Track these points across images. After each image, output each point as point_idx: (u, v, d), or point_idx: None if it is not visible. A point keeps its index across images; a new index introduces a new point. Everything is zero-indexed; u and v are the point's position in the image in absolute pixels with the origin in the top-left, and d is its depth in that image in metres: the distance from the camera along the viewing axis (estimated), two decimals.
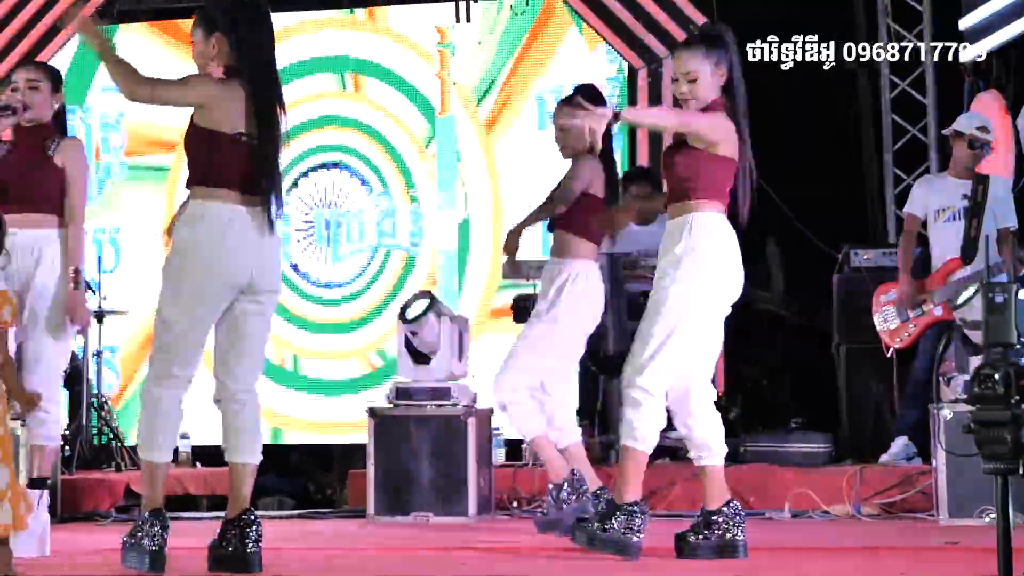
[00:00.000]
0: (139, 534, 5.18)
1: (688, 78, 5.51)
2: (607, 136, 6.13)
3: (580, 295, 6.56)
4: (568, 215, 6.57)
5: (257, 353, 5.36)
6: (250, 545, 5.18)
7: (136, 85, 5.10)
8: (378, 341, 10.84)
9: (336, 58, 11.16)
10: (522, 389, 6.54)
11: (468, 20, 10.90)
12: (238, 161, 5.15)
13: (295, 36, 11.13)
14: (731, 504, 5.56)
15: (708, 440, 5.59)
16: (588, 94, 6.28)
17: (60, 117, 6.21)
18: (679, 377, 5.52)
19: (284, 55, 10.50)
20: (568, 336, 6.60)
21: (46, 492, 6.03)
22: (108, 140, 11.57)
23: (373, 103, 11.07)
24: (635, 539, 5.44)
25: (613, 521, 5.44)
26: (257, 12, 5.28)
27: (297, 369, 10.96)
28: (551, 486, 6.57)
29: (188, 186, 5.25)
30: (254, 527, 5.21)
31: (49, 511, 6.10)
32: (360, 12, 11.18)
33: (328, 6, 11.27)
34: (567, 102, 6.53)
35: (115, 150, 11.53)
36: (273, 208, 5.22)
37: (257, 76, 5.20)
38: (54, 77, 6.21)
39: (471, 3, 10.92)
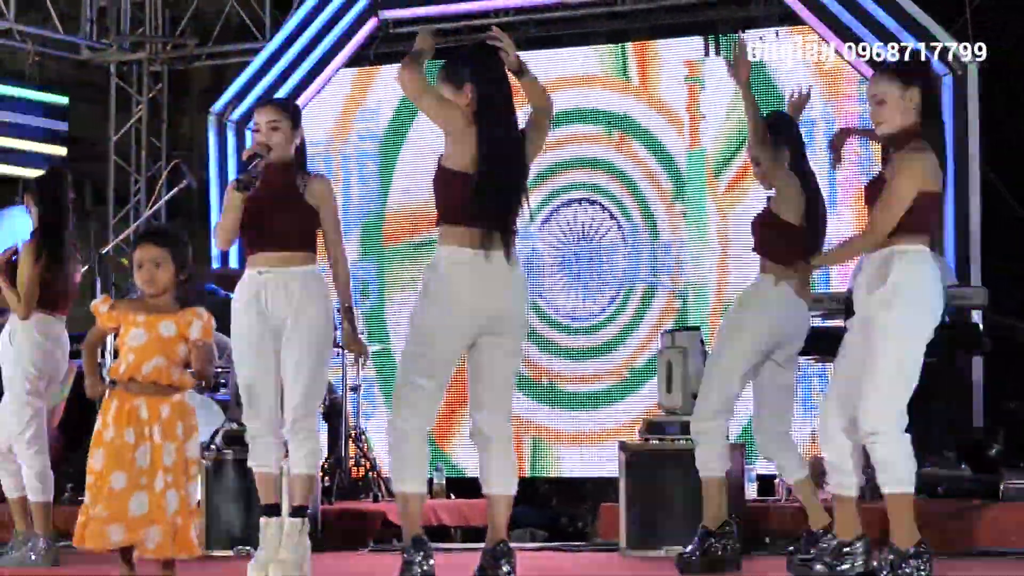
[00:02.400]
0: (409, 564, 5.30)
1: (875, 100, 5.49)
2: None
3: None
4: None
5: (505, 389, 5.48)
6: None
7: (414, 79, 5.37)
8: (618, 369, 10.86)
9: (603, 113, 11.23)
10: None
11: (717, 54, 10.87)
12: (477, 201, 5.31)
13: (570, 88, 11.23)
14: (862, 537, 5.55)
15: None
16: (779, 123, 6.39)
17: (301, 152, 6.26)
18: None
19: (559, 103, 10.77)
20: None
21: (307, 520, 6.18)
22: (364, 171, 11.82)
23: (628, 151, 11.09)
24: None
25: (907, 567, 5.31)
26: (496, 61, 5.46)
27: (556, 391, 11.02)
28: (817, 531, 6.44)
29: (436, 226, 5.44)
30: (508, 558, 5.30)
31: (309, 539, 6.24)
32: (633, 74, 11.20)
33: (586, 42, 11.38)
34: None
35: (371, 175, 11.78)
36: (513, 248, 5.38)
37: (500, 122, 5.38)
38: (293, 114, 6.25)
39: (720, 37, 10.90)
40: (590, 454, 10.90)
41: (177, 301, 5.23)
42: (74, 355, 10.72)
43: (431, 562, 5.35)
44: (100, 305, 5.23)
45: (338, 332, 6.48)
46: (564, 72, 11.25)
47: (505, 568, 5.30)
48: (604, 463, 10.30)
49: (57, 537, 7.23)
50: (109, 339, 6.99)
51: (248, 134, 12.10)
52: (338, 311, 6.28)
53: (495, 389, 5.46)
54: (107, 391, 5.15)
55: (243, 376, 6.10)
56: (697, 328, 8.19)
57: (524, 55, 5.54)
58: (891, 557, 5.28)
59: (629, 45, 11.19)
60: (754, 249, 6.59)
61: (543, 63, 10.92)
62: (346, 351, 6.28)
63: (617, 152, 11.15)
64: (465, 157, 5.33)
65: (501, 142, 5.36)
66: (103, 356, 8.91)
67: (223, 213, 6.14)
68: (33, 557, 7.07)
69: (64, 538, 7.95)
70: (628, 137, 11.10)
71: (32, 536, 7.12)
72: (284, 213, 6.09)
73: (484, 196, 5.31)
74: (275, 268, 6.05)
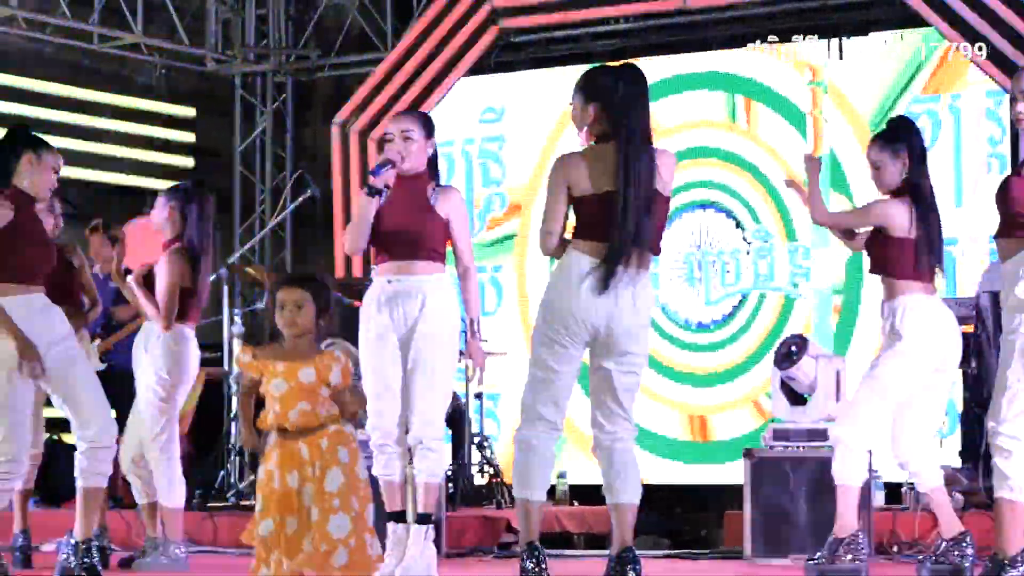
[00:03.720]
0: (524, 571, 5.34)
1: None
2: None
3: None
4: None
5: (626, 402, 5.48)
6: None
7: None
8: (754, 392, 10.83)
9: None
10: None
11: (840, 57, 10.77)
12: (598, 216, 5.32)
13: (689, 91, 11.20)
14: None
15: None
16: (899, 128, 6.35)
17: (433, 162, 6.29)
18: None
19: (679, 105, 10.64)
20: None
21: (431, 527, 6.21)
22: (489, 173, 11.87)
23: (758, 139, 11.03)
24: None
25: None
26: (635, 83, 5.46)
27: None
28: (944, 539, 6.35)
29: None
30: (634, 565, 5.30)
31: (435, 546, 6.28)
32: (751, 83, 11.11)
33: (705, 47, 11.35)
34: (880, 136, 6.41)
35: (495, 182, 11.83)
36: (634, 265, 5.36)
37: (631, 141, 5.36)
38: (426, 124, 6.25)
39: (843, 39, 10.80)
40: (712, 459, 10.84)
41: (318, 341, 5.27)
42: (203, 362, 10.92)
43: (544, 568, 5.35)
44: (242, 355, 5.29)
45: (465, 341, 6.52)
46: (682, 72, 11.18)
47: (631, 575, 5.30)
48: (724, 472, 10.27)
49: (187, 543, 7.33)
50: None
51: (370, 144, 12.22)
52: (463, 320, 6.32)
53: (618, 402, 5.46)
54: (262, 443, 5.19)
55: (369, 385, 6.15)
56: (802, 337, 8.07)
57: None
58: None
59: (749, 49, 11.11)
60: (871, 271, 6.48)
61: (661, 69, 10.90)
62: (470, 360, 6.26)
63: (745, 144, 11.07)
64: (591, 177, 5.37)
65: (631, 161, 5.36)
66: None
67: (353, 218, 6.20)
68: (165, 562, 7.18)
69: (193, 544, 8.10)
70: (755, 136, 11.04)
71: (163, 542, 7.23)
72: (415, 223, 6.11)
73: (615, 213, 5.32)
74: (404, 277, 6.10)
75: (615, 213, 5.29)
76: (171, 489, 7.21)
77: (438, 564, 6.24)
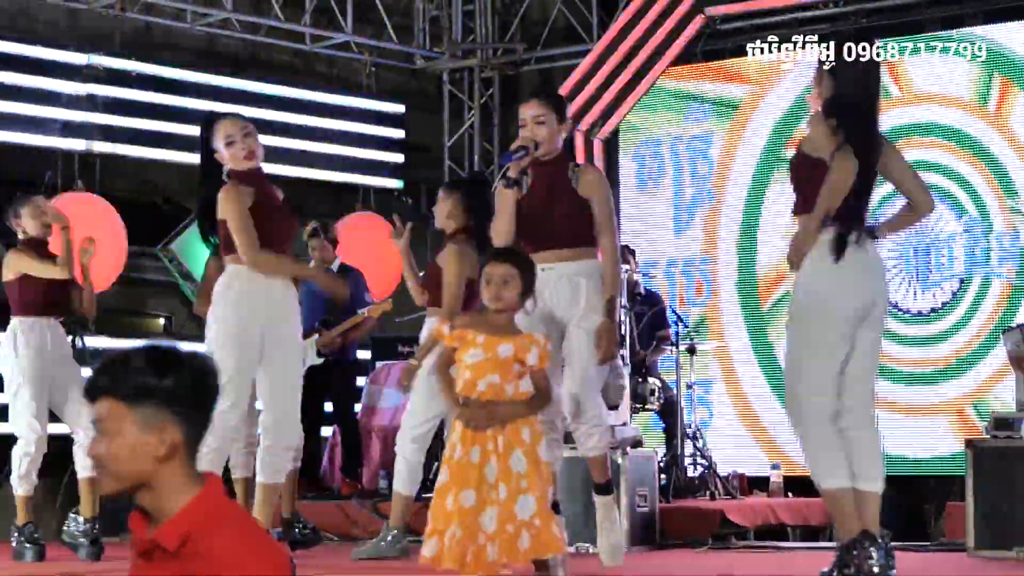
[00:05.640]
0: (861, 558, 5.29)
1: None
2: None
3: None
4: None
5: (870, 378, 5.49)
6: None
7: None
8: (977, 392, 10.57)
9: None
10: None
11: None
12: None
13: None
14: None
15: None
16: None
17: (569, 144, 6.18)
18: None
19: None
20: None
21: (612, 497, 6.23)
22: (696, 167, 11.78)
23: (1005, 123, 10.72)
24: None
25: None
26: (868, 61, 5.49)
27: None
28: None
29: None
30: (875, 544, 5.24)
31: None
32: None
33: (919, 30, 11.10)
34: None
35: (703, 177, 11.74)
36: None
37: (856, 120, 5.40)
38: (558, 107, 6.12)
39: None
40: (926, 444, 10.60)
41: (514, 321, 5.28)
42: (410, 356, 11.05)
43: (881, 554, 5.28)
44: (442, 327, 5.33)
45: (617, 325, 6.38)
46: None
47: (874, 554, 5.22)
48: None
49: (407, 530, 7.43)
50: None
51: (577, 137, 12.23)
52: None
53: (864, 380, 5.45)
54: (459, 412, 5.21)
55: None
56: None
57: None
58: None
59: (974, 30, 10.80)
60: None
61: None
62: (600, 346, 5.98)
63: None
64: None
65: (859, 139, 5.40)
66: None
67: (496, 214, 6.07)
68: (383, 545, 7.32)
69: (413, 533, 8.23)
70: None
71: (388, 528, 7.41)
72: (558, 208, 5.98)
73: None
74: (555, 264, 5.93)
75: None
76: (409, 476, 7.39)
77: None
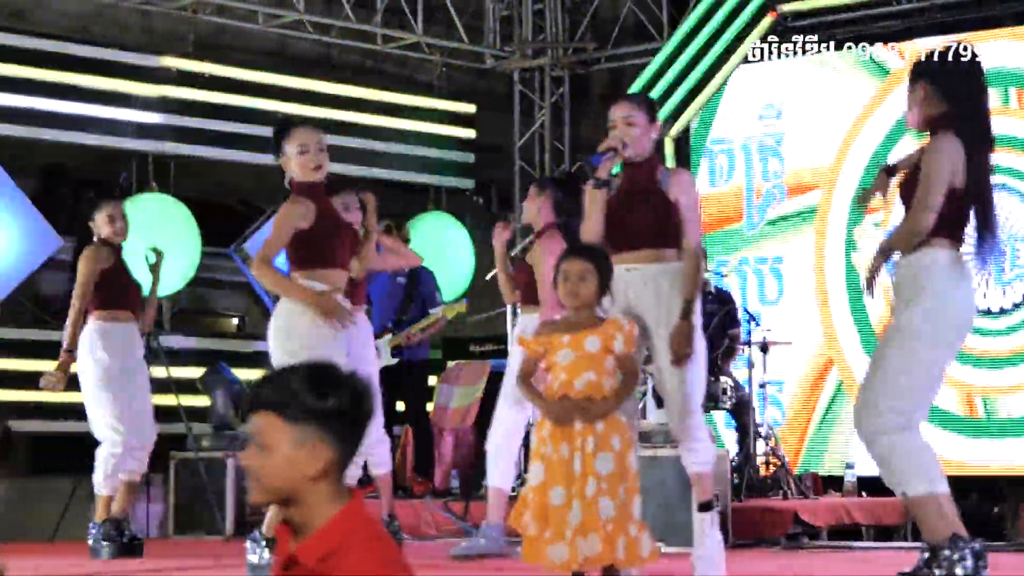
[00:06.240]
0: (953, 562, 5.26)
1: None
2: None
3: None
4: None
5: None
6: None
7: None
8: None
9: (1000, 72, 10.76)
10: None
11: None
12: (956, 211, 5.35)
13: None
14: None
15: None
16: None
17: (659, 146, 6.16)
18: None
19: None
20: None
21: (715, 513, 6.15)
22: (768, 166, 11.72)
23: None
24: None
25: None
26: (970, 65, 5.43)
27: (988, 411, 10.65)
28: None
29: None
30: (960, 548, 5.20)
31: (722, 534, 6.22)
32: None
33: (993, 25, 10.96)
34: None
35: (775, 175, 11.67)
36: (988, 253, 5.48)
37: (965, 127, 5.34)
38: (648, 108, 6.06)
39: None
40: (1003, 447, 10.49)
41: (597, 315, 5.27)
42: (488, 354, 11.07)
43: (974, 562, 5.24)
44: (525, 337, 5.36)
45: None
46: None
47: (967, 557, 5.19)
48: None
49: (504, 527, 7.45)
50: None
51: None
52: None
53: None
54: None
55: None
56: None
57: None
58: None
59: None
60: None
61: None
62: (672, 347, 5.90)
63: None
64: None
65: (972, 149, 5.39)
66: None
67: (586, 214, 6.01)
68: (483, 542, 7.35)
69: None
70: None
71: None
72: (645, 210, 5.94)
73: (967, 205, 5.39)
74: (641, 265, 5.89)
75: None
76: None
77: (725, 554, 6.18)
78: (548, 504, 5.02)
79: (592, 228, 5.94)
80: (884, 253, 5.47)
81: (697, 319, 5.88)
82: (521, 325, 7.30)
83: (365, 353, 6.76)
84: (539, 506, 5.05)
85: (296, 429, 2.77)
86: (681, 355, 5.79)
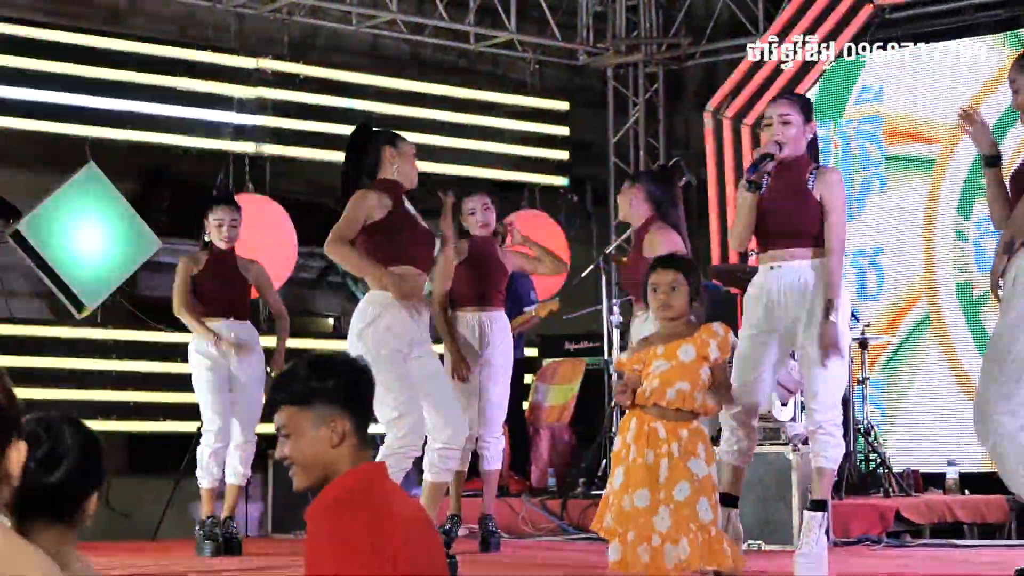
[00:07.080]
0: None
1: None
2: None
3: None
4: None
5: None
6: None
7: None
8: None
9: None
10: None
11: None
12: None
13: None
14: None
15: None
16: None
17: (813, 146, 6.16)
18: None
19: None
20: None
21: (825, 514, 6.07)
22: (867, 152, 11.56)
23: None
24: None
25: None
26: None
27: None
28: None
29: None
30: None
31: (825, 534, 6.15)
32: None
33: None
34: None
35: (873, 162, 11.52)
36: None
37: None
38: (804, 108, 6.14)
39: None
40: None
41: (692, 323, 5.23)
42: (583, 352, 11.03)
43: None
44: (620, 356, 5.39)
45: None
46: None
47: None
48: None
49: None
50: None
51: (744, 130, 12.11)
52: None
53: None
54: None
55: (738, 371, 6.01)
56: None
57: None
58: None
59: None
60: None
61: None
62: (820, 345, 5.94)
63: None
64: None
65: None
66: None
67: (737, 216, 6.09)
68: None
69: (580, 530, 8.23)
70: None
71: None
72: (793, 208, 5.99)
73: None
74: (787, 263, 5.96)
75: None
76: None
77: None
78: (634, 507, 4.98)
79: (742, 231, 6.02)
80: (1007, 247, 5.37)
81: (841, 317, 5.91)
82: (635, 327, 7.17)
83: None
84: (619, 510, 5.01)
85: (312, 411, 3.18)
86: (827, 353, 5.86)
